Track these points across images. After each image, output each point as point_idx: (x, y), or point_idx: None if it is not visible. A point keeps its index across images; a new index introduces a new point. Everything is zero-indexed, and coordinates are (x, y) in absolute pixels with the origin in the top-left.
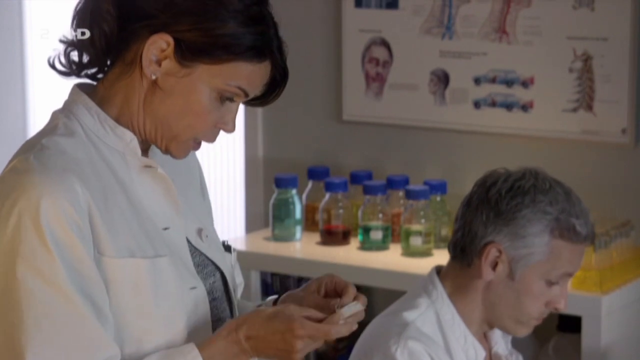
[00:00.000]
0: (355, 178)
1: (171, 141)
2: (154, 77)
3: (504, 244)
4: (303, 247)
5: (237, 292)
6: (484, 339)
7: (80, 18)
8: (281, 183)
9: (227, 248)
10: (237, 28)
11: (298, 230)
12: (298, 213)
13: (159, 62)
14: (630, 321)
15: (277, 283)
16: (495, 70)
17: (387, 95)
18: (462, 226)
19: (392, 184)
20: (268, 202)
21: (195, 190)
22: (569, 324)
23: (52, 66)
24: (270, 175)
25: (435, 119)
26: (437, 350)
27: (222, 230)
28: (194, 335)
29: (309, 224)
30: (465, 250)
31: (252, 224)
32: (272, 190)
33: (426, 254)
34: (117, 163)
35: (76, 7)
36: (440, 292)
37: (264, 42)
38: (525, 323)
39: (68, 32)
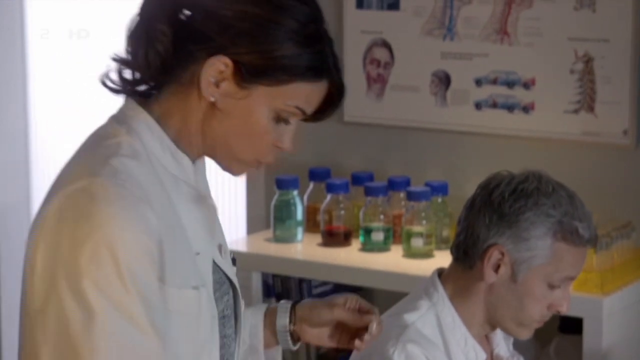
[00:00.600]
0: (356, 179)
1: (232, 161)
2: (212, 99)
3: (506, 246)
4: (304, 249)
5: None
6: (486, 340)
7: (134, 37)
8: (282, 184)
9: (233, 261)
10: (295, 49)
11: (299, 231)
12: (299, 214)
13: (217, 84)
14: (631, 323)
15: (278, 284)
16: (497, 72)
17: (389, 96)
18: (464, 228)
19: (393, 185)
20: (269, 204)
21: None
22: (570, 326)
23: (103, 84)
24: (272, 177)
25: (437, 120)
26: (435, 352)
27: (224, 232)
28: (200, 354)
29: (310, 225)
30: (467, 252)
31: (253, 226)
32: (273, 191)
33: (427, 255)
34: (171, 188)
35: (130, 27)
36: (441, 294)
37: (321, 61)
38: (527, 325)
39: (121, 51)
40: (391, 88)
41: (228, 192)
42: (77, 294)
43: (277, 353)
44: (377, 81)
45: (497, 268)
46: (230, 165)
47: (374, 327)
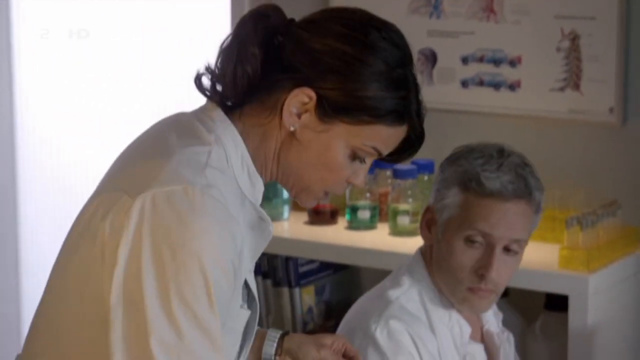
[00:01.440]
0: None
1: (302, 191)
2: (292, 129)
3: (433, 204)
4: (291, 227)
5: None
6: (476, 317)
7: (226, 54)
8: None
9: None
10: (380, 92)
11: (286, 209)
12: (285, 193)
13: (299, 115)
14: (616, 300)
15: (264, 262)
16: (483, 50)
17: None
18: None
19: (379, 163)
20: None
21: None
22: (556, 303)
23: (197, 85)
24: None
25: (423, 98)
26: (419, 328)
27: None
28: None
29: (297, 203)
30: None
31: None
32: None
33: (413, 233)
34: (242, 207)
35: (222, 44)
36: (423, 271)
37: (404, 107)
38: None
39: (212, 63)
40: None
41: None
42: (165, 304)
43: None
44: None
45: (429, 228)
46: (299, 195)
47: None
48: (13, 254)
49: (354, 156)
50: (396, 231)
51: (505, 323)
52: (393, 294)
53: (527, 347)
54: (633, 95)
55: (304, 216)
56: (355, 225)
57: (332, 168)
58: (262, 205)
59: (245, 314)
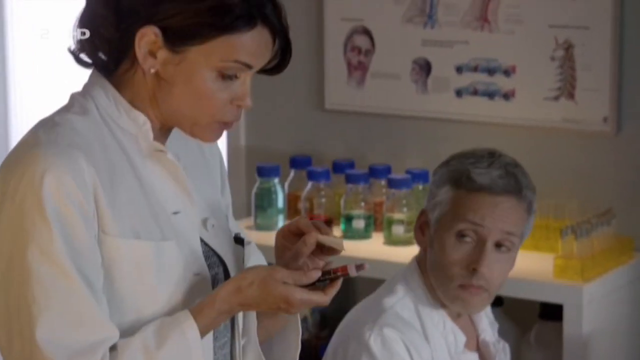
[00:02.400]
0: (337, 167)
1: (193, 126)
2: (152, 71)
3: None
4: None
5: None
6: (472, 326)
7: (81, 22)
8: (263, 172)
9: (239, 240)
10: (216, 2)
11: (280, 219)
12: (280, 202)
13: (153, 55)
14: (611, 310)
15: None
16: (477, 59)
17: (369, 84)
18: None
19: (374, 173)
20: (250, 192)
21: (212, 184)
22: (551, 312)
23: (76, 60)
24: (253, 165)
25: (418, 107)
26: (413, 336)
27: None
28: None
29: (292, 213)
30: None
31: (234, 213)
32: (254, 179)
33: (408, 242)
34: (129, 145)
35: (78, 15)
36: (417, 279)
37: (249, 9)
38: None
39: (72, 37)
40: (372, 76)
41: None
42: (12, 240)
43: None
44: (358, 69)
45: (423, 232)
46: (193, 132)
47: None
48: None
49: (223, 76)
50: (391, 241)
51: (500, 332)
52: (388, 302)
53: (522, 357)
54: (627, 104)
55: None
56: (350, 234)
57: (204, 95)
58: (256, 213)
59: (137, 244)
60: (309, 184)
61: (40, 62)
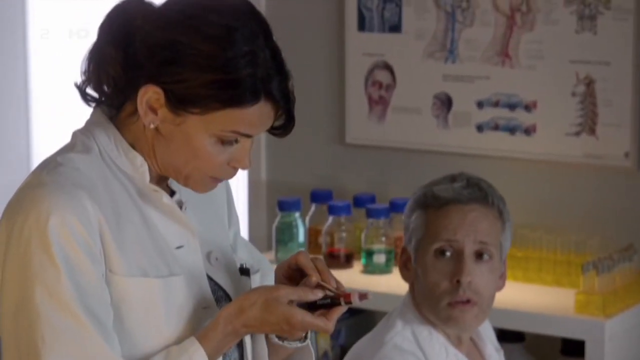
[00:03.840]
0: (358, 201)
1: (186, 179)
2: (152, 126)
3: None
4: None
5: None
6: (477, 353)
7: (89, 59)
8: (284, 206)
9: (244, 271)
10: (219, 76)
11: None
12: (301, 236)
13: (154, 111)
14: (633, 345)
15: None
16: (498, 94)
17: (390, 118)
18: None
19: (395, 207)
20: (271, 226)
21: (216, 216)
22: (573, 348)
23: (82, 94)
24: (274, 199)
25: (438, 142)
26: None
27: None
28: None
29: (312, 247)
30: None
31: (255, 247)
32: (275, 213)
33: None
34: (129, 184)
35: (88, 49)
36: (413, 312)
37: (254, 84)
38: None
39: (80, 74)
40: (393, 110)
41: None
42: (19, 281)
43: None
44: (379, 103)
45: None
46: (186, 183)
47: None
48: None
49: (223, 141)
50: None
51: None
52: (386, 336)
53: None
54: None
55: None
56: (370, 269)
57: (201, 157)
58: (277, 247)
59: (143, 283)
60: (330, 218)
61: (45, 62)
